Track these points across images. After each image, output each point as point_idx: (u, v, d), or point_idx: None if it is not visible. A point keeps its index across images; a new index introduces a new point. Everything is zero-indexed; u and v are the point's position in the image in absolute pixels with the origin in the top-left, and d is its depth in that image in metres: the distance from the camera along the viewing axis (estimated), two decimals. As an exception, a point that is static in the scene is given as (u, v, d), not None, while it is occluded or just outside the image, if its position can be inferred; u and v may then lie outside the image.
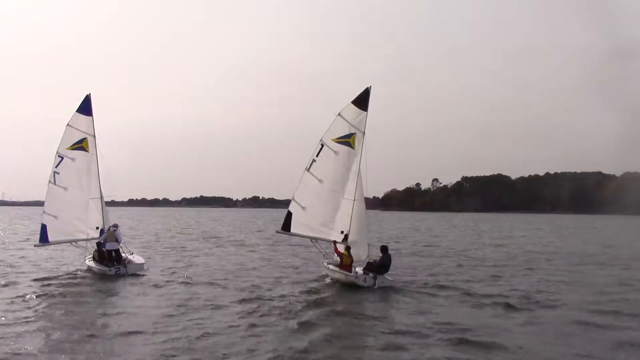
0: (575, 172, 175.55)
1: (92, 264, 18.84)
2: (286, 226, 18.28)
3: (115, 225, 19.29)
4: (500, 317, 12.66)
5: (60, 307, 13.14)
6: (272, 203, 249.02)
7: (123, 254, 18.91)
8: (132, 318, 11.95)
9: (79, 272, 18.93)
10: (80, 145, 19.23)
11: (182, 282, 16.86)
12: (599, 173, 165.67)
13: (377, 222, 74.57)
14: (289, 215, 18.20)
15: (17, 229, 50.56)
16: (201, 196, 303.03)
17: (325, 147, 17.52)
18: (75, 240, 19.65)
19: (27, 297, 14.09)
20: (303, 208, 17.92)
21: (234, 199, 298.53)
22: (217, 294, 14.91)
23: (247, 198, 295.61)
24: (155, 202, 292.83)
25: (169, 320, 11.60)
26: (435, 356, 9.31)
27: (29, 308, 12.75)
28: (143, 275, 18.21)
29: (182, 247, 30.28)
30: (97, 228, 19.33)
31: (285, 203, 18.70)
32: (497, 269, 21.64)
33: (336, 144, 17.45)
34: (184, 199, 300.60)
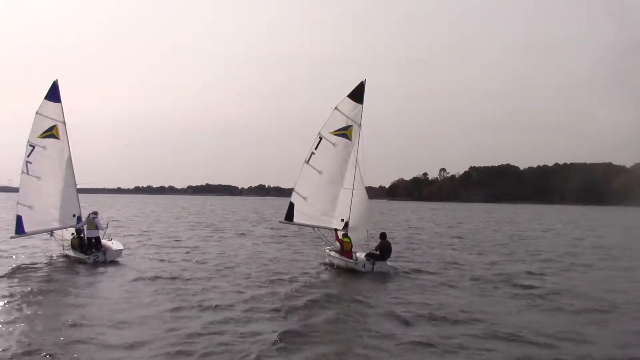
0: (584, 163, 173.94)
1: (70, 252, 18.64)
2: (289, 216, 18.62)
3: (95, 213, 19.12)
4: (504, 301, 12.80)
5: (33, 300, 12.24)
6: (277, 192, 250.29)
7: (103, 241, 18.77)
8: (103, 308, 11.41)
9: (56, 262, 18.44)
10: (51, 132, 18.66)
11: (166, 266, 16.85)
12: (609, 164, 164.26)
13: (386, 212, 74.69)
14: (291, 206, 18.55)
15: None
16: (207, 184, 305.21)
17: (323, 139, 17.94)
18: (52, 230, 19.19)
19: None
20: (304, 198, 18.29)
21: (240, 187, 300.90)
22: (211, 281, 14.86)
23: (253, 187, 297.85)
24: (161, 190, 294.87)
25: (145, 308, 11.38)
26: (417, 340, 9.28)
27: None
28: (122, 262, 17.89)
29: (174, 235, 29.85)
30: (74, 216, 19.01)
31: (290, 192, 18.90)
32: (498, 256, 21.67)
33: (334, 136, 17.87)
34: (189, 187, 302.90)
